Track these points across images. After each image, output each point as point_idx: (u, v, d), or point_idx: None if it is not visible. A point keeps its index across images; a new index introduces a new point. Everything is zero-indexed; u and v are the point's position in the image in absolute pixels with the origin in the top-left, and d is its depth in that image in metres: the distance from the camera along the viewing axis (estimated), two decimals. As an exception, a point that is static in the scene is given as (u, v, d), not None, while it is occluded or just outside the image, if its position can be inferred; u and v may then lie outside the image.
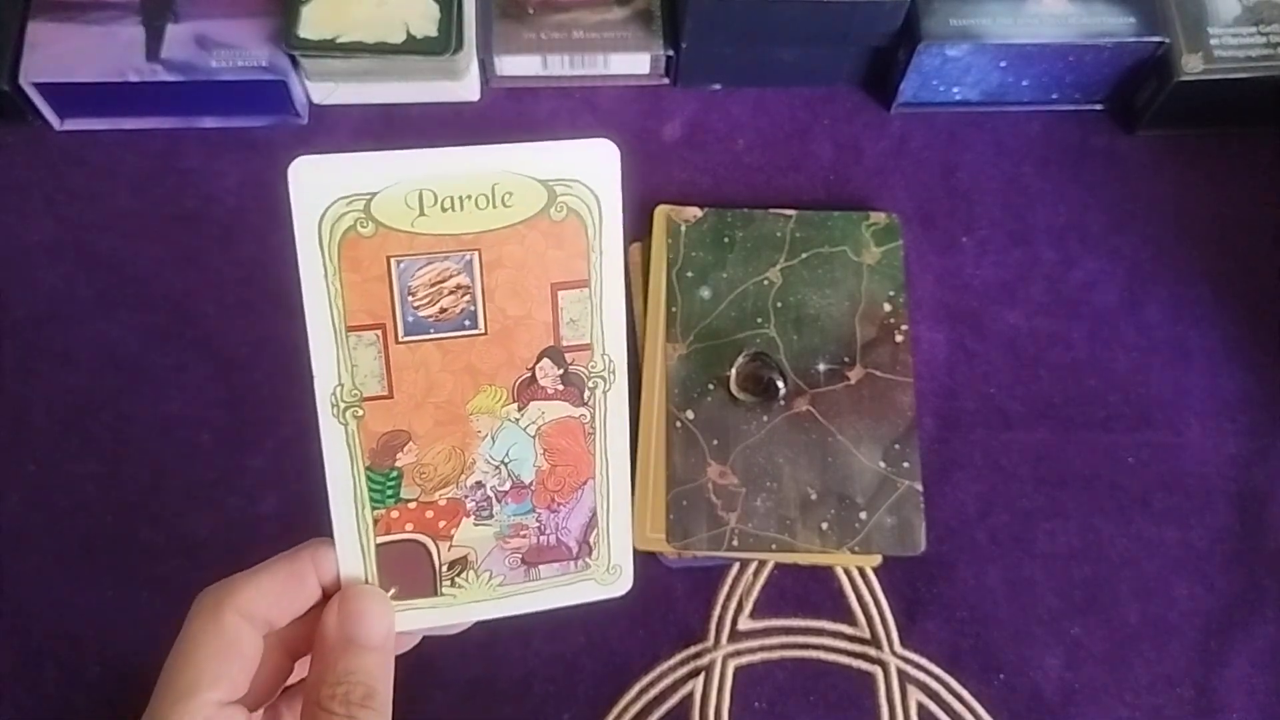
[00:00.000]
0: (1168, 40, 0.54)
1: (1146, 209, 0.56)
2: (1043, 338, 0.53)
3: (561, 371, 0.33)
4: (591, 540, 0.34)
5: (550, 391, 0.33)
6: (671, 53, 0.55)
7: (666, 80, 0.57)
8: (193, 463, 0.49)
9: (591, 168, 0.31)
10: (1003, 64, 0.55)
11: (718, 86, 0.58)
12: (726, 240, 0.53)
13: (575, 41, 0.55)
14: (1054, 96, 0.57)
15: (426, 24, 0.52)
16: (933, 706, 0.47)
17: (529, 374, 0.33)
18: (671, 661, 0.47)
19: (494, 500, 0.33)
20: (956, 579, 0.49)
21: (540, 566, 0.34)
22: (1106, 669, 0.48)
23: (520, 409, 0.33)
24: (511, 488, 0.33)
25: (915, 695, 0.47)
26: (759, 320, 0.51)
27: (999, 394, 0.52)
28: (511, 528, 0.34)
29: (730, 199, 0.55)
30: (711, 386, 0.50)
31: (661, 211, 0.53)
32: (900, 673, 0.47)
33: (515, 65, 0.56)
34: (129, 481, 0.49)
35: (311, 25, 0.52)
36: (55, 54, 0.52)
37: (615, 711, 0.46)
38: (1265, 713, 0.47)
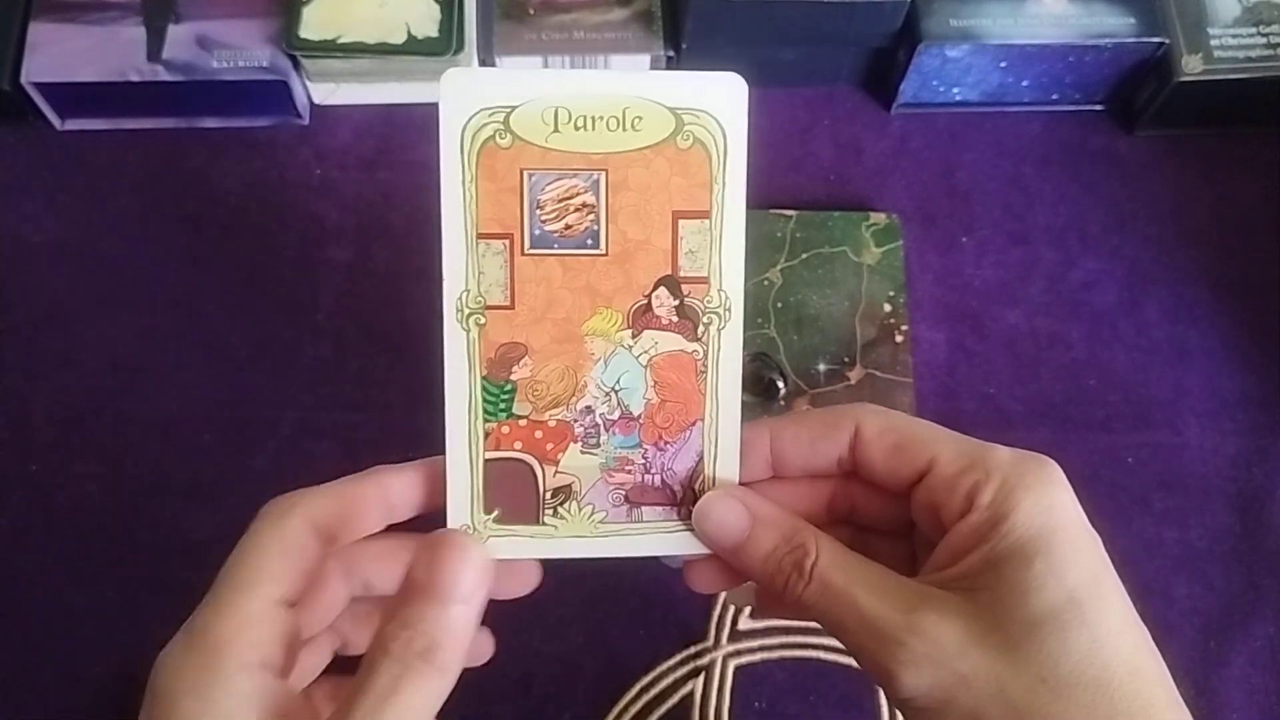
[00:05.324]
0: (1167, 41, 0.54)
1: (1146, 209, 0.56)
2: (1042, 338, 0.53)
3: (677, 302, 0.33)
4: (697, 487, 0.34)
5: (665, 322, 0.33)
6: (672, 53, 0.55)
7: (667, 80, 0.57)
8: (193, 463, 0.49)
9: (719, 100, 0.32)
10: (1003, 64, 0.55)
11: (718, 87, 0.58)
12: (726, 240, 0.53)
13: (576, 42, 0.55)
14: (1054, 97, 0.57)
15: (427, 24, 0.52)
16: (932, 706, 0.47)
17: (645, 301, 0.33)
18: (671, 661, 0.47)
19: (602, 428, 0.33)
20: (956, 579, 0.49)
21: (643, 508, 0.34)
22: (1106, 669, 0.48)
23: (634, 336, 0.33)
24: (620, 418, 0.33)
25: (915, 695, 0.47)
26: (759, 320, 0.51)
27: (999, 394, 0.52)
28: (617, 460, 0.34)
29: (730, 199, 0.55)
30: (711, 386, 0.50)
31: (662, 212, 0.53)
32: (900, 672, 0.47)
33: (516, 65, 0.56)
34: (129, 481, 0.49)
35: (312, 26, 0.52)
36: (56, 54, 0.52)
37: (615, 711, 0.46)
38: (1264, 712, 0.47)
